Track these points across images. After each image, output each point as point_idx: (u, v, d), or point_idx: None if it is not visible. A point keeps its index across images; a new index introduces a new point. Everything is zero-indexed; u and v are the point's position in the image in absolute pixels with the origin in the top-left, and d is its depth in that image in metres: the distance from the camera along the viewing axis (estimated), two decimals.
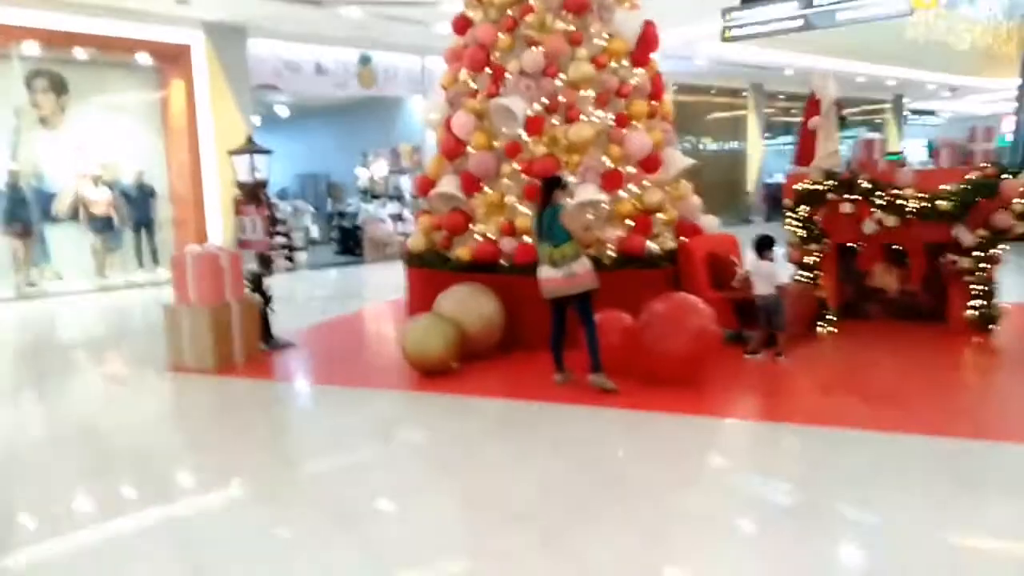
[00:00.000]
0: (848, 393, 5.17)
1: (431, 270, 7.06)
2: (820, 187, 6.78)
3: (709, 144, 24.51)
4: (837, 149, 6.91)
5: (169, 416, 5.40)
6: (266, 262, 6.98)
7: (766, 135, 26.76)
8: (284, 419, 5.27)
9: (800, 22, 11.57)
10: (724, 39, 12.40)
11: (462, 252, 6.87)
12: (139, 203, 13.13)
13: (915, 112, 33.45)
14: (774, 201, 26.43)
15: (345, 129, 19.53)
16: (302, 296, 11.09)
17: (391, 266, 14.63)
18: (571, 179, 6.15)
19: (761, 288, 5.82)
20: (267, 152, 6.88)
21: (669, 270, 6.71)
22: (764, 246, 5.94)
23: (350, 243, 16.94)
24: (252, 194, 6.81)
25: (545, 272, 5.24)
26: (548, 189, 5.31)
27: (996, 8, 25.06)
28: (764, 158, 26.20)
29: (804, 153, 7.15)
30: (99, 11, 11.84)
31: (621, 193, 6.77)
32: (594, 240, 6.14)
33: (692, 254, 6.70)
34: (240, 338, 6.34)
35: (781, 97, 28.41)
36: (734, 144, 25.36)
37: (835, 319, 6.96)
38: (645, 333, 5.37)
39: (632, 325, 5.65)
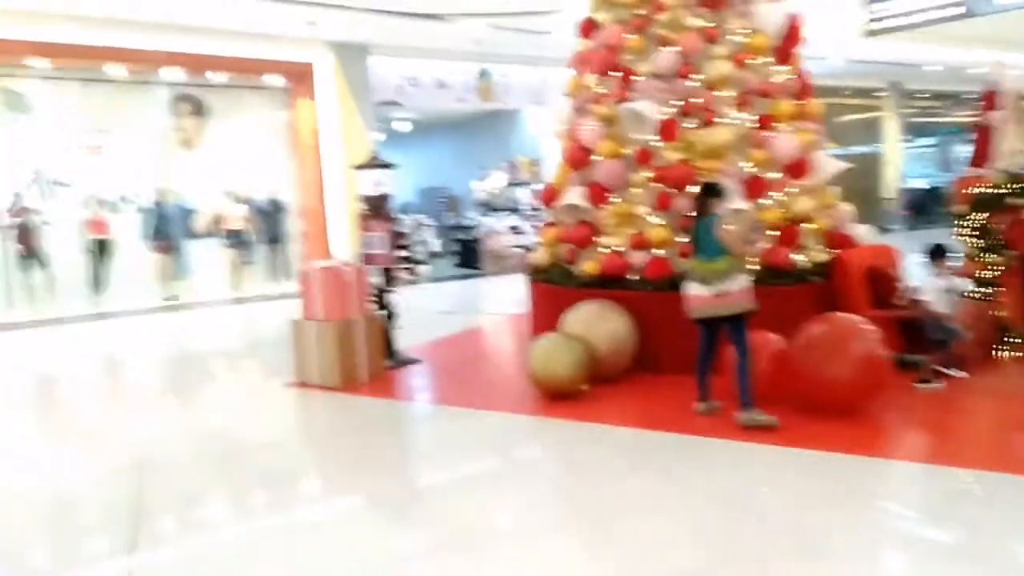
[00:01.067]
0: None
1: (556, 285, 6.73)
2: (1001, 191, 5.94)
3: (838, 149, 22.98)
4: (1022, 148, 6.04)
5: (291, 432, 5.34)
6: (391, 277, 6.88)
7: (906, 137, 24.85)
8: (407, 442, 5.08)
9: (961, 9, 10.49)
10: (867, 33, 11.46)
11: (589, 266, 6.50)
12: (271, 218, 13.63)
13: None
14: (916, 209, 24.50)
15: (464, 143, 19.67)
16: (424, 310, 11.06)
17: (510, 278, 14.51)
18: (728, 184, 5.60)
19: (934, 306, 5.06)
20: (391, 167, 6.80)
21: (821, 286, 6.06)
22: (938, 256, 5.20)
23: (469, 256, 16.95)
24: (377, 209, 6.74)
25: (693, 288, 4.75)
26: (703, 197, 4.87)
27: None
28: (904, 162, 24.32)
29: (980, 153, 6.31)
30: (234, 35, 12.38)
31: (764, 201, 6.20)
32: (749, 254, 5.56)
33: (849, 268, 6.02)
34: (365, 354, 6.24)
35: (923, 96, 26.34)
36: (869, 148, 23.64)
37: (1019, 341, 6.07)
38: (801, 358, 4.80)
39: (784, 348, 5.09)
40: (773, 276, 6.00)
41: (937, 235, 6.70)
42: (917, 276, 5.26)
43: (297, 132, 14.38)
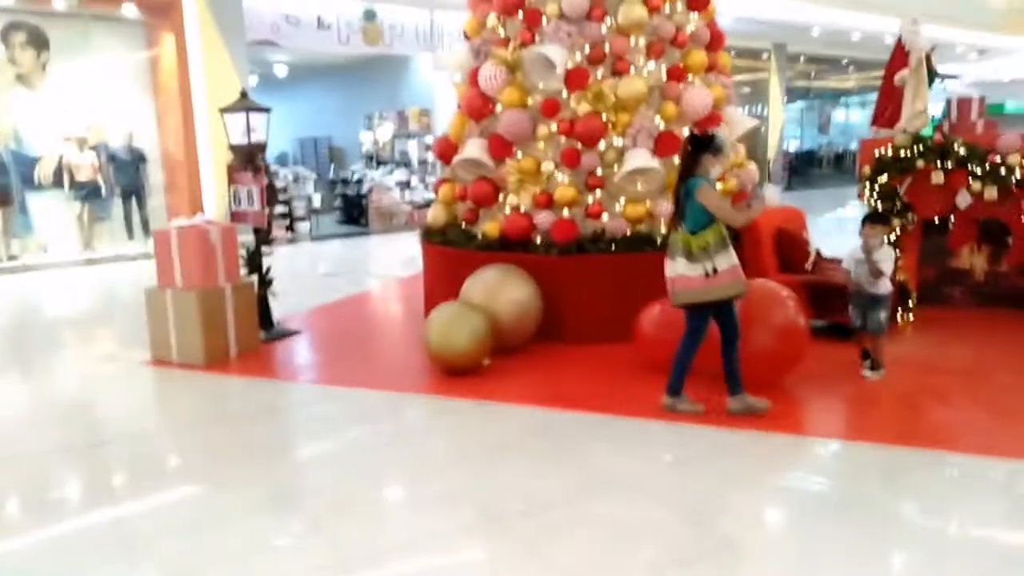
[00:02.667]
0: (971, 406, 4.29)
1: (454, 248, 6.14)
2: (907, 153, 5.82)
3: None
4: (926, 108, 5.93)
5: (139, 421, 4.52)
6: (264, 237, 6.06)
7: (787, 100, 25.61)
8: (279, 431, 4.37)
9: None
10: None
11: (490, 228, 5.95)
12: (128, 168, 12.17)
13: (939, 76, 32.12)
14: (794, 170, 25.48)
15: (348, 90, 18.44)
16: (305, 272, 10.20)
17: (399, 237, 13.75)
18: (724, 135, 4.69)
19: (865, 278, 4.66)
20: (265, 111, 5.93)
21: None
22: (878, 222, 4.74)
23: (354, 212, 16.01)
24: (248, 159, 5.87)
25: (677, 267, 3.93)
26: (692, 152, 3.92)
27: None
28: (784, 125, 25.08)
29: (885, 113, 6.18)
30: None
31: (675, 159, 5.82)
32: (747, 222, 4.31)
33: (758, 231, 5.76)
34: (234, 327, 5.46)
35: (802, 60, 27.19)
36: (753, 110, 24.20)
37: (915, 306, 6.06)
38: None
39: None
40: None
41: (816, 196, 6.59)
42: (854, 246, 4.82)
43: (159, 72, 12.85)
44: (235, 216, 6.00)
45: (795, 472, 3.61)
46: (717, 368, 4.17)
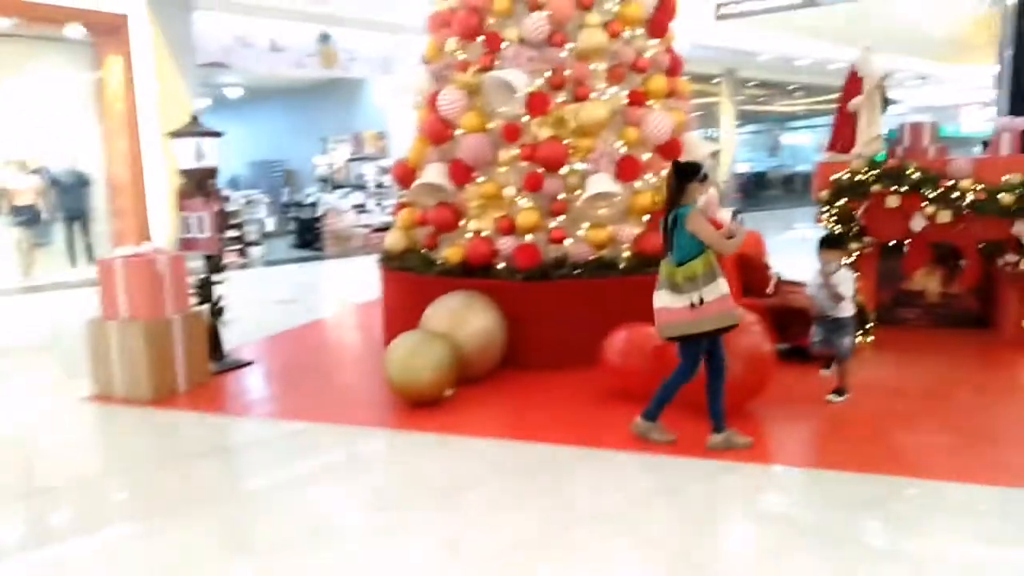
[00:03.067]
0: (939, 429, 4.30)
1: (414, 274, 6.00)
2: (864, 178, 5.91)
3: None
4: (880, 134, 6.05)
5: (79, 464, 4.24)
6: (216, 264, 5.83)
7: (738, 123, 26.15)
8: (229, 472, 4.14)
9: None
10: (718, 17, 11.57)
11: (452, 253, 5.83)
12: (72, 192, 11.74)
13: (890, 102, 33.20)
14: (745, 192, 25.99)
15: (303, 113, 18.23)
16: (258, 299, 9.89)
17: (355, 261, 13.52)
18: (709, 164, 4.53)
19: (827, 303, 4.67)
20: (216, 135, 5.73)
21: None
22: (833, 246, 4.75)
23: (309, 236, 15.72)
24: (198, 184, 5.65)
25: (662, 299, 3.85)
26: (678, 181, 3.82)
27: None
28: (735, 148, 25.59)
29: (841, 138, 6.28)
30: None
31: (638, 184, 5.81)
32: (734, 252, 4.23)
33: (719, 257, 5.75)
34: (184, 360, 5.21)
35: (751, 85, 27.87)
36: (705, 133, 24.65)
37: (872, 327, 6.12)
38: None
39: (662, 344, 4.69)
40: (645, 263, 5.63)
41: (769, 217, 6.64)
42: (815, 270, 4.81)
43: (106, 94, 12.47)
44: (185, 244, 5.76)
45: (771, 501, 3.54)
46: (693, 398, 4.10)
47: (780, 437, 4.35)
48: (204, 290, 5.77)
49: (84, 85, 12.48)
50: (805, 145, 32.87)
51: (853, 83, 6.14)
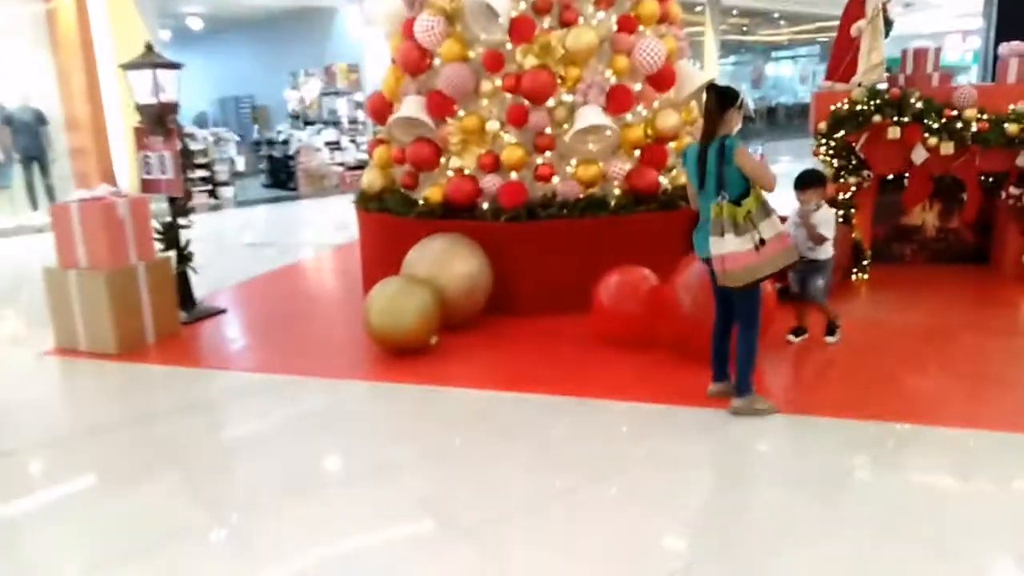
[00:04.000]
0: (942, 373, 4.15)
1: (393, 216, 5.68)
2: (863, 107, 5.63)
3: None
4: (883, 61, 5.74)
5: (43, 425, 3.99)
6: (180, 207, 5.47)
7: (721, 54, 25.51)
8: (203, 430, 3.91)
9: None
10: None
11: (432, 193, 5.51)
12: (27, 131, 11.08)
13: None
14: None
15: (271, 45, 17.36)
16: (230, 243, 9.54)
17: (330, 201, 13.09)
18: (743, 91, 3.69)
19: (805, 244, 4.35)
20: (175, 66, 5.29)
21: (687, 211, 5.51)
22: (811, 185, 4.39)
23: (281, 175, 15.19)
24: (157, 121, 5.24)
25: (726, 243, 3.34)
26: (717, 108, 3.39)
27: None
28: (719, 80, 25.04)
29: (840, 65, 5.96)
30: None
31: (629, 116, 5.48)
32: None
33: None
34: (151, 310, 4.91)
35: (735, 13, 27.11)
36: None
37: (868, 264, 5.95)
38: (681, 299, 4.20)
39: (658, 286, 4.48)
40: (637, 201, 5.38)
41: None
42: (793, 209, 4.56)
43: (58, 26, 11.69)
44: (146, 185, 5.38)
45: (779, 453, 3.38)
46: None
47: (783, 383, 4.18)
48: (170, 235, 5.42)
49: (34, 17, 11.69)
50: (788, 76, 32.30)
51: (854, 6, 5.79)
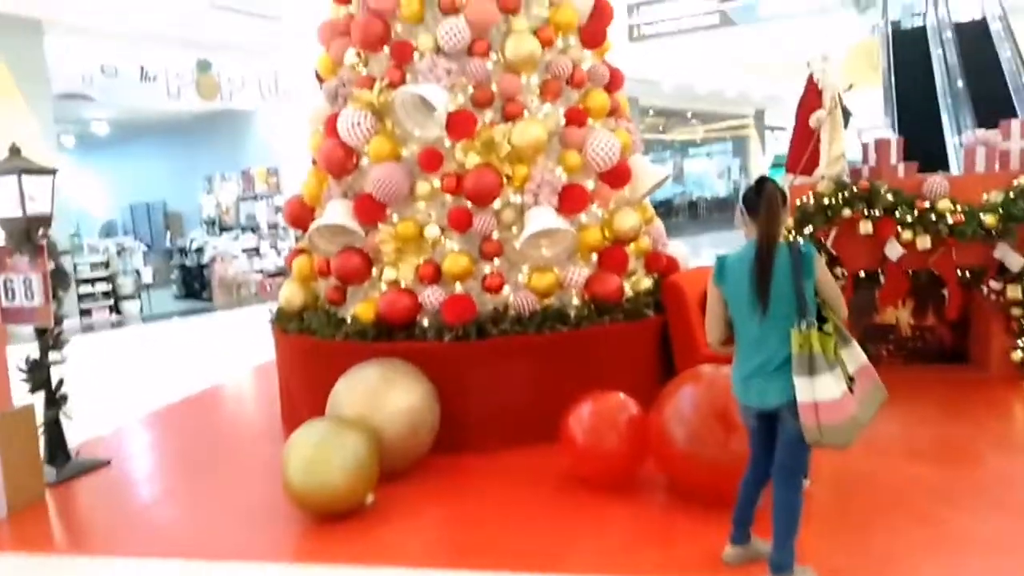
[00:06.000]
0: (985, 508, 3.52)
1: (316, 338, 4.84)
2: (831, 201, 5.24)
3: None
4: (844, 152, 5.42)
5: None
6: (52, 340, 4.48)
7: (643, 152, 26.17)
8: None
9: (716, 18, 10.39)
10: (632, 39, 11.02)
11: (362, 310, 4.72)
12: None
13: (770, 128, 34.39)
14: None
15: (184, 149, 16.57)
16: (127, 366, 8.40)
17: (248, 311, 12.07)
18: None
19: None
20: (47, 172, 4.43)
21: (656, 320, 4.90)
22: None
23: (195, 285, 14.13)
24: (24, 237, 4.32)
25: (820, 386, 2.54)
26: (767, 205, 2.66)
27: (849, 24, 25.81)
28: None
29: (799, 157, 5.61)
30: None
31: (583, 217, 4.90)
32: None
33: (682, 297, 4.91)
34: (3, 475, 3.85)
35: (651, 113, 28.07)
36: None
37: None
38: (676, 431, 3.48)
39: (640, 415, 3.76)
40: (600, 311, 4.72)
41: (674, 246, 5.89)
42: None
43: None
44: (8, 314, 4.39)
45: None
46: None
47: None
48: (37, 374, 4.41)
49: None
50: (704, 171, 33.47)
51: (811, 96, 5.49)
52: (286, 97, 13.57)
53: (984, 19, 15.00)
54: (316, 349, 4.81)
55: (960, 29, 15.03)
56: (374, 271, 4.81)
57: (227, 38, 12.27)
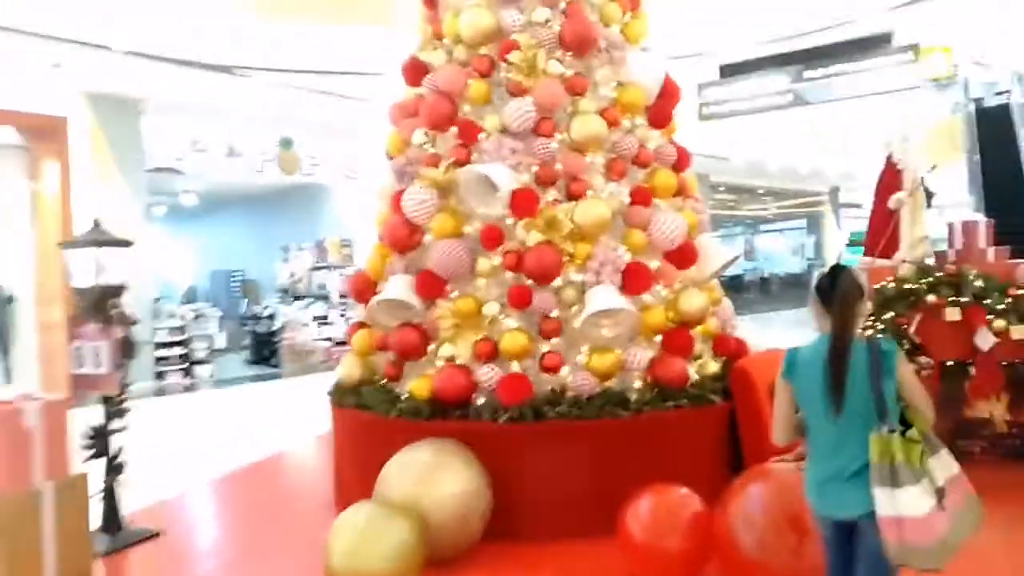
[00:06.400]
0: None
1: (371, 414, 4.77)
2: (914, 286, 4.94)
3: None
4: (927, 235, 5.14)
5: None
6: (114, 408, 4.55)
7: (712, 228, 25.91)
8: None
9: (789, 97, 10.28)
10: (701, 118, 11.00)
11: (418, 386, 4.65)
12: None
13: (846, 205, 33.61)
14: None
15: (263, 220, 17.28)
16: (193, 430, 8.53)
17: (315, 378, 12.20)
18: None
19: None
20: (123, 244, 4.60)
21: (723, 408, 4.65)
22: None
23: (265, 352, 14.44)
24: (96, 306, 4.46)
25: (902, 499, 2.29)
26: (843, 297, 2.46)
27: (929, 103, 25.28)
28: None
29: (878, 240, 5.36)
30: None
31: (647, 297, 4.75)
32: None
33: (751, 383, 4.65)
34: (55, 544, 3.85)
35: (721, 189, 27.86)
36: None
37: None
38: (743, 536, 3.21)
39: (704, 513, 3.50)
40: (663, 396, 4.50)
41: (754, 322, 5.60)
42: None
43: (40, 203, 11.38)
44: (78, 382, 4.51)
45: None
46: None
47: None
48: (98, 442, 4.47)
49: (17, 194, 11.41)
50: (777, 248, 32.82)
51: (890, 177, 5.28)
52: (363, 173, 14.02)
53: None
54: (369, 425, 4.74)
55: None
56: (431, 347, 4.75)
57: (312, 116, 12.87)
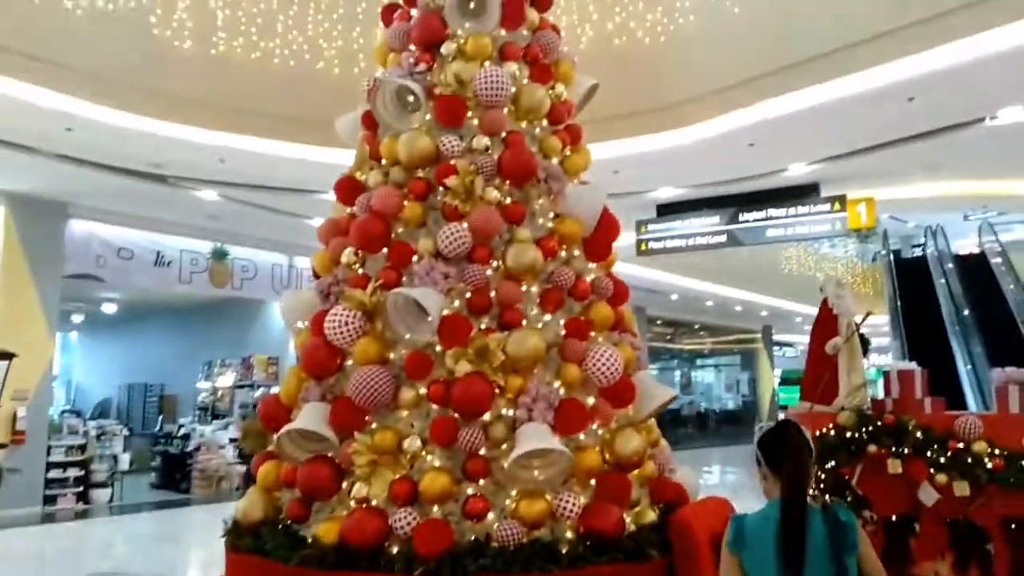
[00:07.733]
0: None
1: (268, 560, 4.21)
2: (854, 434, 4.78)
3: None
4: (865, 381, 5.05)
5: None
6: None
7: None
8: None
9: (723, 238, 10.56)
10: (639, 252, 11.17)
11: (325, 529, 4.14)
12: None
13: (778, 344, 34.59)
14: (661, 431, 25.26)
15: (189, 332, 16.53)
16: (65, 567, 7.58)
17: (226, 507, 11.25)
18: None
19: None
20: (3, 357, 4.11)
21: (661, 563, 4.26)
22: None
23: (176, 474, 13.37)
24: None
25: None
26: (794, 457, 2.32)
27: (851, 251, 26.71)
28: None
29: (816, 385, 5.24)
30: None
31: (582, 436, 4.44)
32: None
33: (692, 535, 4.30)
34: None
35: (658, 323, 28.35)
36: None
37: None
38: None
39: None
40: (597, 549, 4.10)
41: (691, 457, 5.37)
42: None
43: None
44: None
45: None
46: None
47: None
48: None
49: None
50: (715, 383, 33.22)
51: (826, 321, 5.24)
52: (296, 289, 13.67)
53: (983, 253, 15.37)
54: (267, 574, 4.16)
55: (961, 261, 15.37)
56: (344, 485, 4.29)
57: (247, 229, 12.62)
